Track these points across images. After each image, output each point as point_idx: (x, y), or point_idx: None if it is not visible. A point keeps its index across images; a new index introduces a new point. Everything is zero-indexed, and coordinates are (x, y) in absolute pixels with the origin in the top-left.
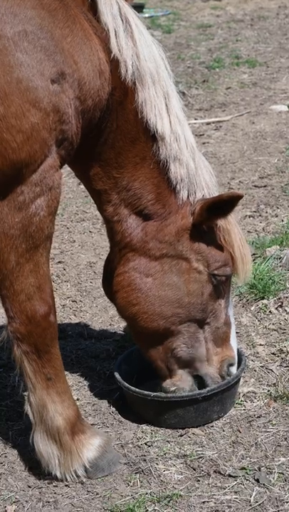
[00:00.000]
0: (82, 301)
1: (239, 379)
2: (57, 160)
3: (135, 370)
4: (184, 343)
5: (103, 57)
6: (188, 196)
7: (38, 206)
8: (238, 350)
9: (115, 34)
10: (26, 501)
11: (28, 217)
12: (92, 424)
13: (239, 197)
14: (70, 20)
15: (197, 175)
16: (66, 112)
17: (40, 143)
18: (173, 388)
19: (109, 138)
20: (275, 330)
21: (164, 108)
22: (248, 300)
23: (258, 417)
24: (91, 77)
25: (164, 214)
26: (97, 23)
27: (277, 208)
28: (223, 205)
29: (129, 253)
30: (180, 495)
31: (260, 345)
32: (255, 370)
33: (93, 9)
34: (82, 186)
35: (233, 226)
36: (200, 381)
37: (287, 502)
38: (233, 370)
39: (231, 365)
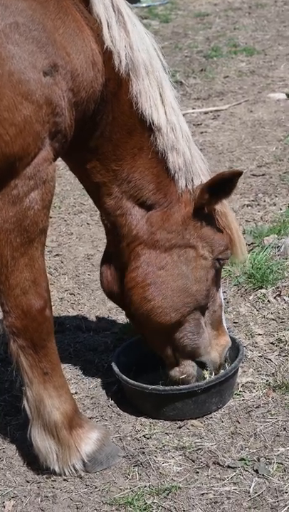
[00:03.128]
0: (80, 294)
1: (237, 369)
2: (50, 153)
3: (133, 363)
4: (190, 331)
5: (96, 49)
6: (186, 184)
7: (32, 200)
8: (235, 340)
9: (108, 25)
10: (25, 496)
11: (23, 211)
12: (90, 418)
13: (239, 174)
14: (61, 11)
15: (193, 163)
16: (59, 105)
17: (33, 136)
18: (182, 376)
19: (106, 130)
20: (273, 319)
21: (158, 98)
22: (246, 290)
23: (256, 407)
24: (84, 69)
25: (166, 203)
26: (89, 14)
27: (276, 196)
28: (223, 186)
29: (138, 247)
30: (179, 487)
31: (259, 334)
32: (253, 360)
33: (85, 0)
34: None
35: (227, 209)
36: (202, 366)
37: (286, 492)
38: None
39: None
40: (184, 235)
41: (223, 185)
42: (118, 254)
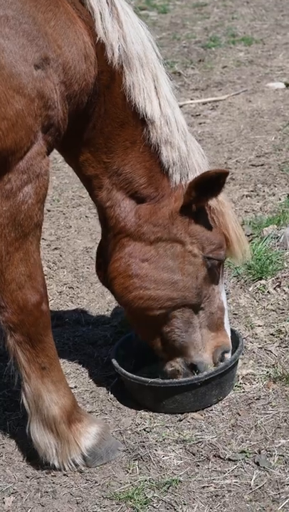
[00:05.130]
0: (79, 288)
1: (237, 361)
2: (44, 146)
3: (133, 356)
4: (178, 327)
5: (88, 41)
6: (180, 179)
7: (25, 194)
8: (235, 332)
9: (100, 17)
10: (24, 492)
11: (16, 205)
12: (90, 412)
13: (225, 173)
14: (52, 3)
15: (189, 157)
16: (51, 98)
17: (26, 130)
18: (170, 369)
19: (98, 123)
20: (273, 310)
21: (153, 91)
22: (245, 281)
23: (257, 399)
24: (76, 62)
25: (158, 197)
26: (82, 6)
27: (275, 186)
28: (211, 184)
29: (124, 238)
30: (179, 480)
31: (259, 326)
32: (253, 352)
33: None
34: None
35: (226, 208)
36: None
37: (287, 484)
38: (228, 356)
39: (226, 352)
40: (170, 229)
41: (210, 183)
42: (106, 245)
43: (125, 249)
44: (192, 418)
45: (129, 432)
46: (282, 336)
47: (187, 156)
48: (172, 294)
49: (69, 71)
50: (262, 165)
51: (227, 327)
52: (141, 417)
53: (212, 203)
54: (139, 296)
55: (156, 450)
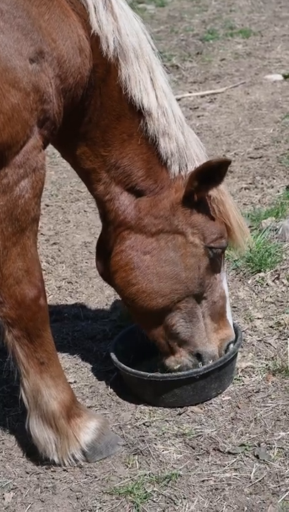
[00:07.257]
0: (77, 282)
1: (236, 354)
2: (40, 140)
3: (132, 350)
4: (182, 318)
5: (83, 34)
6: (179, 170)
7: (22, 188)
8: (234, 324)
9: (94, 10)
10: (24, 488)
11: (13, 199)
12: (89, 406)
13: (227, 162)
14: None
15: (187, 148)
16: (47, 91)
17: (22, 124)
18: (177, 366)
19: (94, 116)
20: (272, 303)
21: (149, 83)
22: (244, 273)
23: (256, 392)
24: (71, 55)
25: (157, 189)
26: None
27: (273, 178)
28: (212, 174)
29: (125, 231)
30: (179, 474)
31: (258, 318)
32: (253, 345)
33: None
34: None
35: (226, 197)
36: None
37: (287, 477)
38: (231, 346)
39: (230, 343)
40: (171, 220)
41: (211, 173)
42: (107, 239)
43: (126, 242)
44: (192, 412)
45: (129, 426)
46: (281, 328)
47: (185, 146)
48: (175, 285)
49: (64, 64)
50: (260, 157)
51: (229, 316)
52: (140, 412)
53: (212, 192)
54: (142, 289)
55: (155, 444)
